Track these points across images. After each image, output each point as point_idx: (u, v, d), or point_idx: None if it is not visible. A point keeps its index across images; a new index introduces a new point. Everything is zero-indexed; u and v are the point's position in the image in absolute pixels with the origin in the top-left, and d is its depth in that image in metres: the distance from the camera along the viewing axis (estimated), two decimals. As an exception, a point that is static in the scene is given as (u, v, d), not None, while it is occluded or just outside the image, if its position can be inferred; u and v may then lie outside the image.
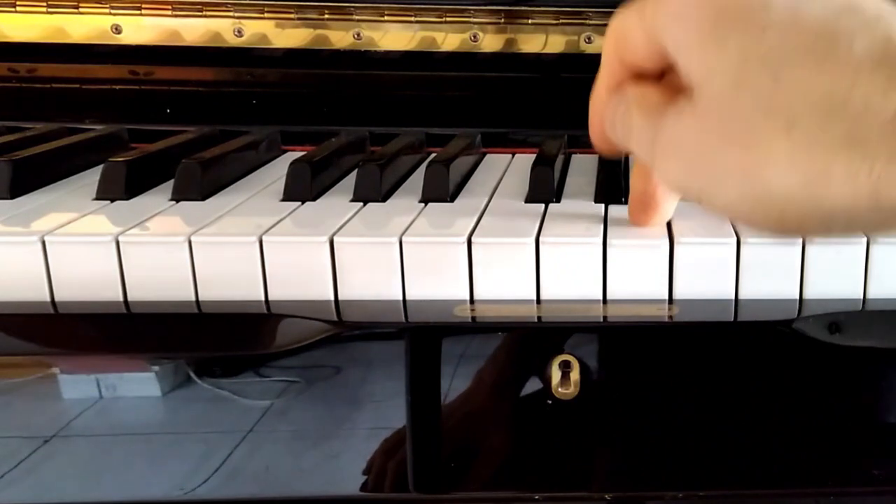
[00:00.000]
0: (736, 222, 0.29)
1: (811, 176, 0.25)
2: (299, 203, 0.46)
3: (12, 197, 0.46)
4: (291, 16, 0.59)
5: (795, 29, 0.26)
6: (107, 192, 0.46)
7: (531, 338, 0.39)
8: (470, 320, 0.38)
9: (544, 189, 0.46)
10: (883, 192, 0.25)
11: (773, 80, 0.26)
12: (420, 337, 0.38)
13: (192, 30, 0.59)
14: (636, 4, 0.31)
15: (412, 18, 0.59)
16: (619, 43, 0.33)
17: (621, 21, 0.32)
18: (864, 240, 0.39)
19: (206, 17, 0.59)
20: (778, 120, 0.26)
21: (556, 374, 0.38)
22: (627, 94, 0.33)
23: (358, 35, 0.60)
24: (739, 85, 0.26)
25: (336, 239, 0.39)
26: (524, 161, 0.54)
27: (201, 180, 0.47)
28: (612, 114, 0.34)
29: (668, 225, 0.41)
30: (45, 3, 0.58)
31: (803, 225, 0.27)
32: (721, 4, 0.27)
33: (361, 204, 0.45)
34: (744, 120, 0.26)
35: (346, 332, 0.38)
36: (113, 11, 0.59)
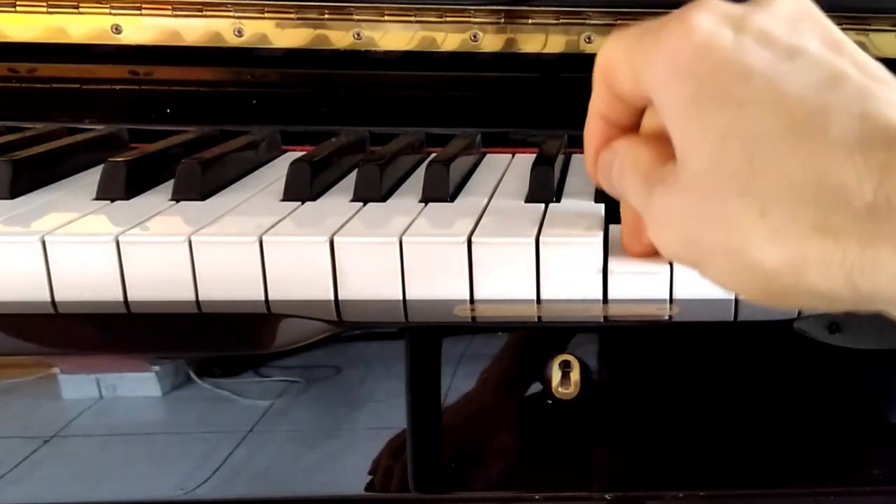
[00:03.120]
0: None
1: (787, 259, 0.25)
2: (299, 203, 0.46)
3: (12, 197, 0.46)
4: (291, 16, 0.59)
5: (773, 106, 0.25)
6: (107, 192, 0.46)
7: (531, 338, 0.39)
8: (470, 320, 0.38)
9: (544, 189, 0.46)
10: (857, 281, 0.24)
11: (749, 162, 0.25)
12: (420, 337, 0.38)
13: (192, 30, 0.59)
14: (626, 38, 0.31)
15: (412, 18, 0.59)
16: (608, 76, 0.32)
17: (610, 54, 0.32)
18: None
19: (206, 17, 0.59)
20: (752, 203, 0.25)
21: (556, 374, 0.38)
22: (619, 152, 0.33)
23: (358, 35, 0.60)
24: (717, 164, 0.26)
25: (336, 239, 0.39)
26: (524, 161, 0.54)
27: (201, 180, 0.47)
28: (606, 169, 0.34)
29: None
30: (45, 3, 0.58)
31: (786, 300, 0.27)
32: (702, 77, 0.27)
33: (361, 204, 0.45)
34: (722, 201, 0.26)
35: (346, 332, 0.38)
36: (113, 11, 0.59)
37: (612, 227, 0.41)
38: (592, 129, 0.35)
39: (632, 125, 0.34)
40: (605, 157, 0.34)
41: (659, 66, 0.28)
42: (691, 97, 0.27)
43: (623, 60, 0.31)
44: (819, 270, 0.24)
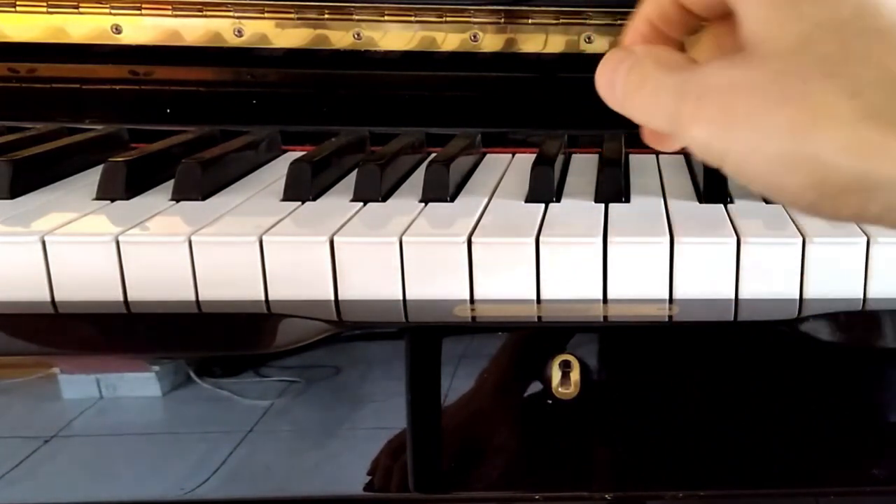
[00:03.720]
0: (763, 191, 0.27)
1: (863, 146, 0.24)
2: (299, 203, 0.46)
3: (12, 197, 0.46)
4: (291, 16, 0.59)
5: (872, 9, 0.25)
6: (107, 192, 0.46)
7: (531, 338, 0.39)
8: (470, 320, 0.38)
9: (544, 189, 0.46)
10: None
11: (843, 49, 0.24)
12: (420, 337, 0.38)
13: (192, 30, 0.59)
14: None
15: (412, 18, 0.59)
16: None
17: None
18: (864, 239, 0.39)
19: (206, 17, 0.59)
20: (842, 85, 0.24)
21: (556, 374, 0.38)
22: (636, 50, 0.30)
23: (358, 35, 0.60)
24: (806, 46, 0.25)
25: (336, 239, 0.39)
26: (524, 161, 0.54)
27: (201, 180, 0.47)
28: (612, 71, 0.31)
29: (669, 225, 0.41)
30: (45, 3, 0.58)
31: (839, 198, 0.25)
32: None
33: (361, 204, 0.45)
34: (804, 79, 0.25)
35: (346, 332, 0.38)
36: (113, 11, 0.59)
37: (611, 227, 0.41)
38: (634, 32, 0.32)
39: (679, 40, 0.32)
40: (614, 55, 0.31)
41: None
42: None
43: None
44: None
